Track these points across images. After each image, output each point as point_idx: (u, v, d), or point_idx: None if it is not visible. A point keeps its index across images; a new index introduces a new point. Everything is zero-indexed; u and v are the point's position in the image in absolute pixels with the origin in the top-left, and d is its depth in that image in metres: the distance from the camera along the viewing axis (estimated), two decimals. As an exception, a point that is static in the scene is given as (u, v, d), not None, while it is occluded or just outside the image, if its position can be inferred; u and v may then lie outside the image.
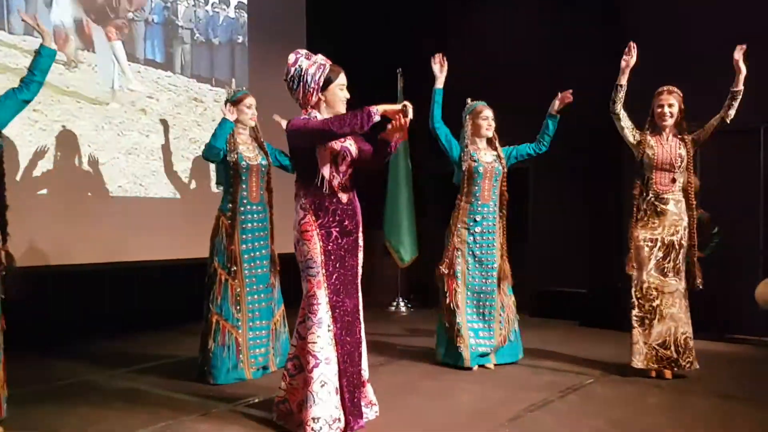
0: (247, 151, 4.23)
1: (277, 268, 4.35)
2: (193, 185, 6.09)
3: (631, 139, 4.28)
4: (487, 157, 4.50)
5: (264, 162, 4.29)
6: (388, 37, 7.56)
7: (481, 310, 4.48)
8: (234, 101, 4.21)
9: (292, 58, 3.22)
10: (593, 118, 6.28)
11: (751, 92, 5.99)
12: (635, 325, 4.20)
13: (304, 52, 3.25)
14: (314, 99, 3.22)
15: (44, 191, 5.15)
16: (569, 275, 6.83)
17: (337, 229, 3.19)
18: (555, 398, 3.74)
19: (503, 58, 7.13)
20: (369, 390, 3.36)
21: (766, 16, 5.93)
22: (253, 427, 3.26)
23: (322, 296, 3.13)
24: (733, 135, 6.30)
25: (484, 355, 4.46)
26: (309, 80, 3.18)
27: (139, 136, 5.74)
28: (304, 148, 3.17)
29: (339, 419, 3.10)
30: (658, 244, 4.20)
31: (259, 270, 4.23)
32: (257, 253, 4.21)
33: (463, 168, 4.46)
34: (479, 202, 4.46)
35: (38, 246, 4.99)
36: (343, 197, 3.23)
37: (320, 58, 3.25)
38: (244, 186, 4.17)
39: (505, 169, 4.54)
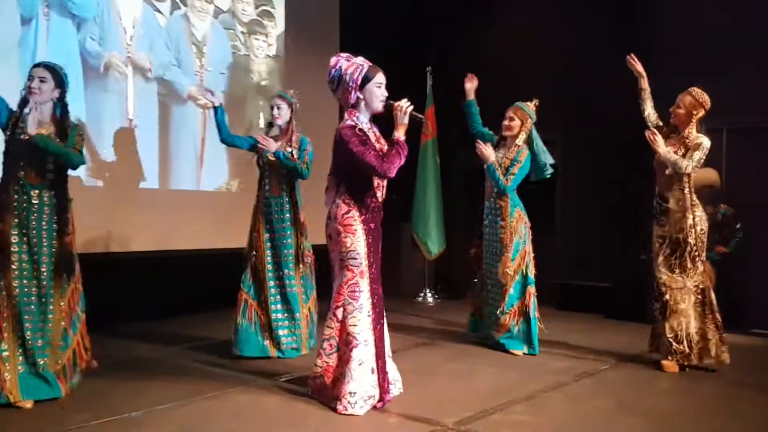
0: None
1: (306, 260, 4.64)
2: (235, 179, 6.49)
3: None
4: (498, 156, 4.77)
5: None
6: (417, 37, 7.79)
7: (494, 299, 4.79)
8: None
9: (333, 60, 3.51)
10: (618, 117, 6.49)
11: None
12: (657, 317, 4.35)
13: (345, 55, 3.52)
14: (353, 98, 3.48)
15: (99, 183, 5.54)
16: (595, 270, 6.99)
17: (373, 224, 3.50)
18: (570, 381, 3.98)
19: (527, 56, 7.32)
20: (393, 368, 3.64)
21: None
22: (290, 399, 3.58)
23: (364, 284, 3.44)
24: (757, 133, 6.47)
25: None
26: (348, 80, 3.45)
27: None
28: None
29: (373, 396, 3.40)
30: (667, 241, 4.33)
31: (281, 258, 4.55)
32: (279, 242, 4.55)
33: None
34: (487, 197, 4.83)
35: (88, 235, 5.37)
36: (380, 196, 3.55)
37: (360, 59, 3.52)
38: (266, 180, 4.56)
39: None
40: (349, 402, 3.33)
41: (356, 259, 3.46)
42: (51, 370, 3.45)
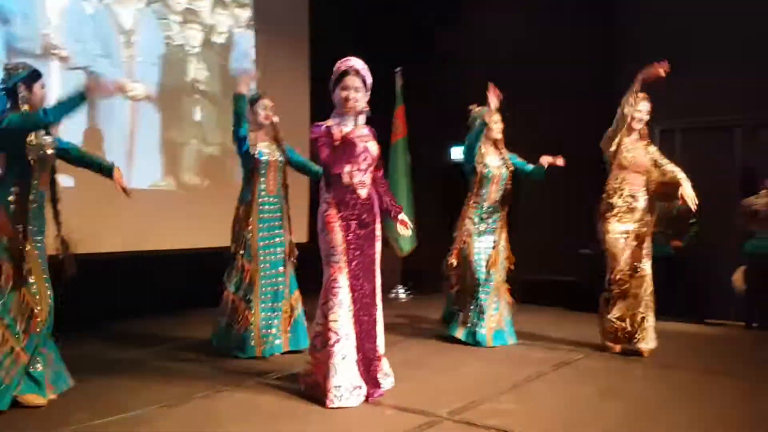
0: (266, 147, 4.61)
1: (292, 257, 4.72)
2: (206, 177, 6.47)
3: (613, 147, 4.63)
4: (495, 161, 4.89)
5: (281, 158, 4.66)
6: (387, 38, 7.90)
7: (482, 296, 4.88)
8: (251, 101, 4.61)
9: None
10: (577, 115, 6.78)
11: (728, 94, 6.53)
12: (609, 307, 4.61)
13: (345, 58, 3.63)
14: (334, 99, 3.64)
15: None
16: (558, 264, 7.25)
17: (356, 221, 3.59)
18: (549, 371, 4.17)
19: (499, 59, 7.52)
20: (385, 363, 3.75)
21: (740, 21, 6.40)
22: (284, 396, 3.65)
23: (342, 280, 3.53)
24: (711, 133, 6.84)
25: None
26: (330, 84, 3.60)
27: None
28: None
29: (360, 387, 3.51)
30: (632, 235, 4.60)
31: (273, 257, 4.61)
32: (272, 241, 4.61)
33: (477, 171, 4.84)
34: (486, 204, 4.89)
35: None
36: (363, 193, 3.63)
37: (346, 61, 3.61)
38: (262, 179, 4.57)
39: (510, 171, 4.94)
40: (335, 395, 3.43)
41: (335, 255, 3.56)
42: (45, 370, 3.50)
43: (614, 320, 4.58)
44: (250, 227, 4.54)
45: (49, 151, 3.53)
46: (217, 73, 6.63)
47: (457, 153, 7.41)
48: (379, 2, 7.98)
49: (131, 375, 4.06)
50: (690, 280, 6.66)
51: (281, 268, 4.64)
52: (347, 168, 3.54)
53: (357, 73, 3.58)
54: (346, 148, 3.48)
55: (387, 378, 3.73)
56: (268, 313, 4.56)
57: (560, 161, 4.84)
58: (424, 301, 6.90)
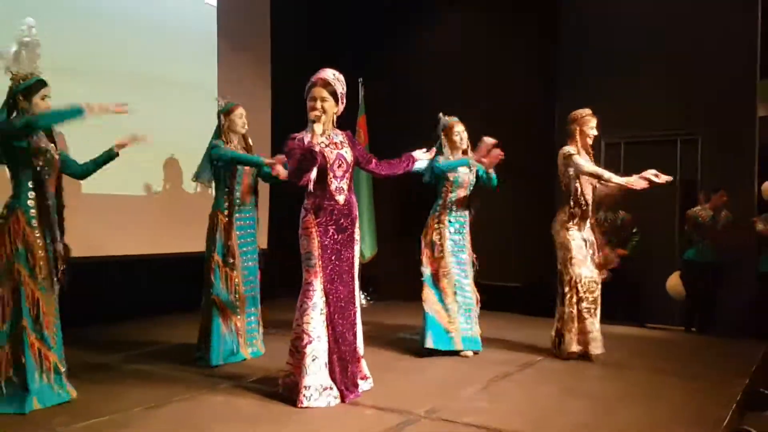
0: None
1: (261, 264, 4.83)
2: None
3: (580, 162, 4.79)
4: (464, 168, 5.04)
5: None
6: (350, 47, 8.06)
7: (459, 301, 4.94)
8: (226, 111, 4.68)
9: None
10: (526, 126, 7.10)
11: (670, 107, 6.96)
12: (587, 316, 4.69)
13: (322, 69, 3.75)
14: None
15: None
16: (503, 270, 7.51)
17: (334, 226, 3.72)
18: (514, 371, 4.40)
19: (453, 68, 7.80)
20: (363, 365, 3.88)
21: (681, 34, 6.84)
22: (262, 398, 3.73)
23: (317, 284, 3.65)
24: (653, 145, 7.25)
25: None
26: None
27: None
28: None
29: (330, 388, 3.63)
30: (588, 243, 4.85)
31: (250, 263, 4.72)
32: (248, 248, 4.70)
33: (449, 178, 4.91)
34: (455, 208, 4.98)
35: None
36: (341, 199, 3.76)
37: (317, 73, 3.74)
38: (238, 188, 4.65)
39: (475, 177, 5.09)
40: (304, 395, 3.56)
41: (311, 260, 3.68)
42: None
43: (594, 330, 4.70)
44: (228, 234, 4.59)
45: (56, 156, 3.57)
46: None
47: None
48: (340, 13, 8.15)
49: (108, 379, 4.08)
50: (631, 285, 7.02)
51: (256, 275, 4.74)
52: (313, 176, 3.62)
53: (325, 83, 3.71)
54: (307, 157, 3.56)
55: (366, 380, 3.86)
56: (250, 318, 4.68)
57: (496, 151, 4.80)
58: (384, 307, 7.05)
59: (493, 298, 7.24)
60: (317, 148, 3.56)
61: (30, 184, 3.49)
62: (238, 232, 4.63)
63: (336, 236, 3.73)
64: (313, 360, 3.60)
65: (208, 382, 4.05)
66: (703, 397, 3.92)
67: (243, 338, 4.61)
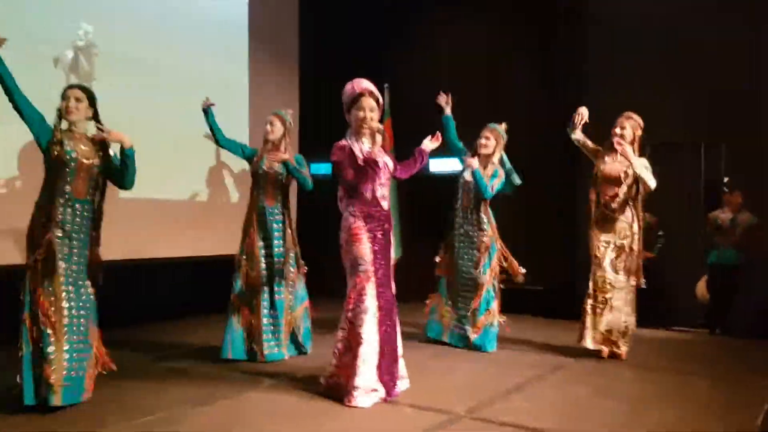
0: (268, 161, 4.83)
1: (299, 269, 4.93)
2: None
3: (591, 157, 5.05)
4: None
5: (281, 171, 4.87)
6: (376, 52, 8.16)
7: (465, 300, 5.20)
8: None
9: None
10: (549, 131, 7.17)
11: (695, 112, 7.00)
12: (588, 312, 4.89)
13: (357, 79, 3.86)
14: (347, 118, 3.88)
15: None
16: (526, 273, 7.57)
17: (380, 232, 3.84)
18: (546, 373, 4.49)
19: (474, 71, 7.87)
20: (401, 364, 3.99)
21: (700, 38, 6.88)
22: (305, 396, 3.85)
23: (370, 288, 3.77)
24: (678, 148, 7.30)
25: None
26: (343, 103, 3.85)
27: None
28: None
29: (376, 390, 3.74)
30: (611, 245, 4.94)
31: (275, 266, 4.82)
32: (271, 251, 4.82)
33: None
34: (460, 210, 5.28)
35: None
36: (385, 205, 3.89)
37: (359, 83, 3.85)
38: (261, 191, 4.82)
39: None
40: (354, 395, 3.67)
41: (362, 265, 3.79)
42: (89, 372, 3.60)
43: (604, 332, 4.88)
44: (251, 237, 4.76)
45: (86, 161, 3.64)
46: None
47: (436, 165, 7.66)
48: (363, 17, 8.27)
49: (151, 377, 4.21)
50: (656, 288, 7.08)
51: (281, 278, 4.83)
52: (372, 184, 3.78)
53: (371, 94, 3.84)
54: (369, 166, 3.72)
55: (403, 379, 3.96)
56: (266, 320, 4.76)
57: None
58: (409, 308, 7.12)
59: (517, 301, 7.35)
60: (380, 161, 3.74)
61: (49, 186, 3.59)
62: (261, 235, 4.78)
63: (382, 241, 3.86)
64: (364, 362, 3.71)
65: (249, 380, 4.18)
66: (733, 397, 4.00)
67: (258, 338, 4.70)
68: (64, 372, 3.45)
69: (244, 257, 4.78)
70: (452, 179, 5.47)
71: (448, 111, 5.32)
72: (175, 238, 6.19)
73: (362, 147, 3.82)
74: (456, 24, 8.17)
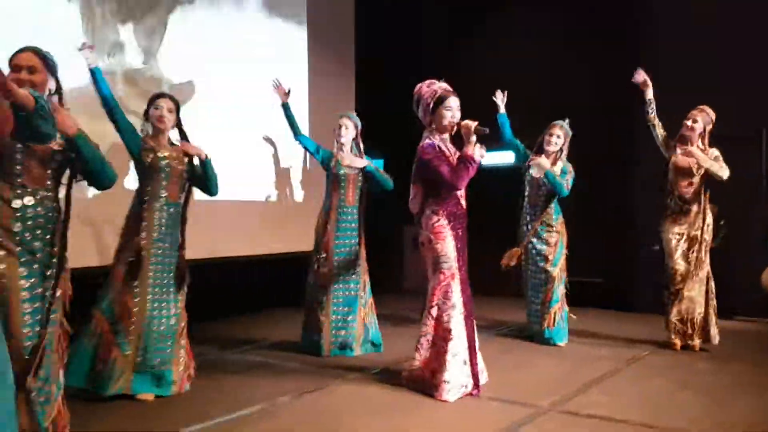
0: (346, 162, 4.99)
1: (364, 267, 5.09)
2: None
3: (662, 149, 5.11)
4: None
5: (359, 172, 5.05)
6: (429, 48, 8.25)
7: (536, 294, 5.32)
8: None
9: (417, 86, 3.98)
10: (609, 120, 7.18)
11: (755, 101, 6.93)
12: (667, 304, 5.02)
13: (428, 81, 3.98)
14: (428, 119, 3.98)
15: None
16: (584, 266, 7.60)
17: (461, 230, 3.97)
18: (623, 367, 4.57)
19: (530, 67, 7.89)
20: (479, 358, 4.12)
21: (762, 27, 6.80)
22: (390, 389, 4.02)
23: (455, 285, 3.90)
24: (738, 138, 7.23)
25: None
26: (423, 103, 3.95)
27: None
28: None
29: (465, 386, 3.88)
30: (684, 237, 5.02)
31: (348, 264, 4.99)
32: (347, 249, 4.99)
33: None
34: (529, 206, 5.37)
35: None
36: (464, 204, 4.01)
37: (439, 84, 3.97)
38: (342, 192, 4.97)
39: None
40: (445, 389, 3.80)
41: (447, 262, 3.92)
42: (172, 369, 3.85)
43: (675, 321, 5.00)
44: (326, 235, 4.95)
45: (179, 166, 3.87)
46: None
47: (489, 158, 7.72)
48: (417, 14, 8.37)
49: (239, 372, 4.42)
50: (717, 278, 7.05)
51: (356, 275, 4.99)
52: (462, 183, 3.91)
53: (455, 95, 3.95)
54: (469, 164, 3.83)
55: (483, 373, 4.10)
56: (339, 316, 4.92)
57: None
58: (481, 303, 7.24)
59: (577, 294, 7.40)
60: (477, 158, 3.83)
61: (144, 191, 3.83)
62: (338, 233, 4.95)
63: (463, 239, 4.00)
64: (454, 356, 3.85)
65: (331, 374, 4.36)
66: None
67: (327, 332, 4.87)
68: (138, 367, 3.72)
69: (323, 255, 4.94)
70: (505, 172, 5.57)
71: (502, 109, 5.40)
72: (250, 237, 6.40)
73: (449, 146, 3.95)
74: (512, 26, 8.21)
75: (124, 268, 3.75)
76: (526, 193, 5.38)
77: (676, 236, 5.04)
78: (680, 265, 5.00)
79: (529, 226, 5.32)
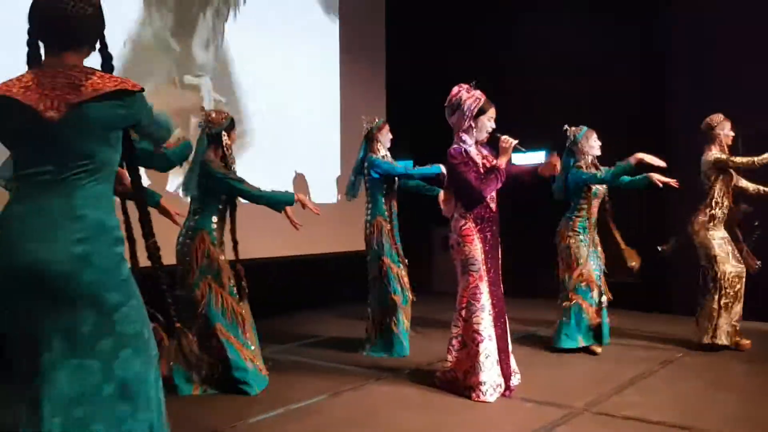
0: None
1: None
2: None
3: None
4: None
5: None
6: (462, 48, 8.28)
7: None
8: (378, 128, 5.14)
9: (455, 90, 4.05)
10: (644, 124, 7.13)
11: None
12: (721, 308, 4.97)
13: (465, 86, 4.04)
14: (466, 125, 4.02)
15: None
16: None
17: (490, 233, 4.02)
18: (658, 368, 4.57)
19: (559, 68, 7.86)
20: (512, 360, 4.16)
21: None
22: (425, 389, 4.09)
23: (484, 287, 3.96)
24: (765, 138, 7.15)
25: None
26: (465, 109, 3.99)
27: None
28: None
29: (500, 385, 3.93)
30: (727, 239, 5.10)
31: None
32: (401, 250, 5.15)
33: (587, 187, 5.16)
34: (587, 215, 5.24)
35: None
36: (493, 206, 4.05)
37: (478, 93, 4.04)
38: (395, 198, 5.16)
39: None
40: (481, 390, 3.86)
41: (475, 265, 3.97)
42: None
43: (735, 323, 5.01)
44: (394, 239, 5.06)
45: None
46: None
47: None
48: (448, 17, 8.41)
49: (285, 369, 4.53)
50: (751, 280, 6.96)
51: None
52: (492, 189, 3.97)
53: (494, 106, 4.04)
54: (493, 174, 3.90)
55: (515, 374, 4.14)
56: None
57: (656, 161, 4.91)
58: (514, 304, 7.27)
59: (615, 296, 7.37)
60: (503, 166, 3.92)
61: (214, 212, 4.07)
62: (397, 241, 5.08)
63: (492, 241, 4.04)
64: (487, 357, 3.90)
65: (369, 373, 4.45)
66: None
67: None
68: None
69: (392, 260, 5.00)
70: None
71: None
72: (290, 238, 6.50)
73: (480, 150, 4.02)
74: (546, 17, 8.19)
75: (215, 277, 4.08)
76: (585, 205, 5.23)
77: (722, 240, 5.08)
78: (736, 267, 5.04)
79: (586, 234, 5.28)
